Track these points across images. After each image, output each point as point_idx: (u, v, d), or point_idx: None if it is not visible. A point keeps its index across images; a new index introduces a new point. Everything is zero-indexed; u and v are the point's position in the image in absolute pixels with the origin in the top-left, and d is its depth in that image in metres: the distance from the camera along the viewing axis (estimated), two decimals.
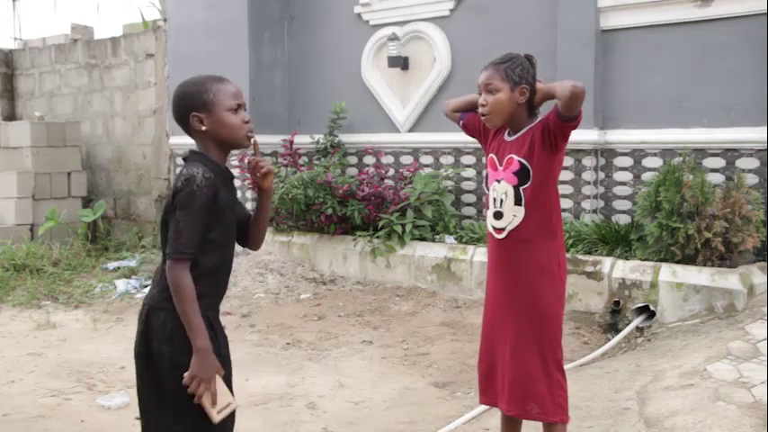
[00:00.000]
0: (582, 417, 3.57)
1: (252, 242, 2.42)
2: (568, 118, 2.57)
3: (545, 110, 2.74)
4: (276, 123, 8.08)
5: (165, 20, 9.11)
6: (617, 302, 5.34)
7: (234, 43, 7.95)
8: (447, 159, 7.15)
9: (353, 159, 7.79)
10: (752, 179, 5.46)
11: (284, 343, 5.31)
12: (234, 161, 7.75)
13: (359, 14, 7.67)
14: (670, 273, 5.14)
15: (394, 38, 7.26)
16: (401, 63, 7.26)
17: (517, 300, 2.74)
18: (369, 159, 7.61)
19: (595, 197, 6.21)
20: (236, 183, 8.48)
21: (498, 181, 2.77)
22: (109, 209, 9.73)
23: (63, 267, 7.76)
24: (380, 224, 6.77)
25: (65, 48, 10.46)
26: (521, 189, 2.70)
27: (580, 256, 5.59)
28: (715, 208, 5.04)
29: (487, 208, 2.83)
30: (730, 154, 5.62)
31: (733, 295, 4.85)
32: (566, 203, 6.26)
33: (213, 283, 2.24)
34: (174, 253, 2.11)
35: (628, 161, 6.08)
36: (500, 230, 2.76)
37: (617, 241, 5.65)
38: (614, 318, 5.34)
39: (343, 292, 6.62)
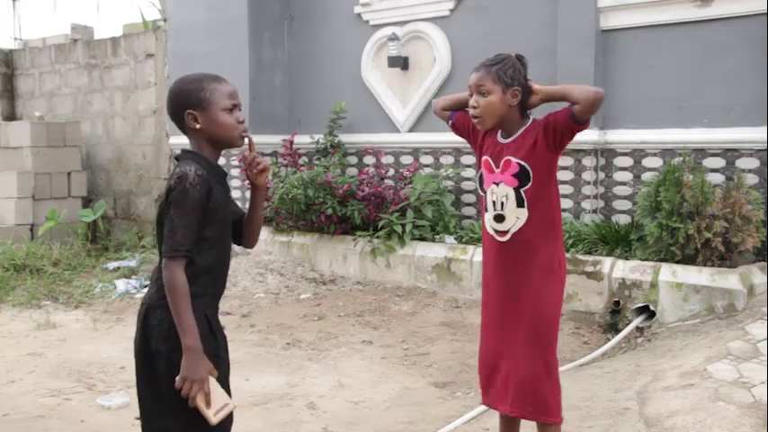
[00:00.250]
0: (582, 417, 3.57)
1: (246, 240, 2.42)
2: (583, 121, 2.61)
3: (542, 111, 2.74)
4: (276, 123, 8.08)
5: (165, 20, 9.11)
6: (617, 302, 5.34)
7: (234, 43, 7.95)
8: (447, 159, 7.15)
9: (353, 159, 7.79)
10: (752, 179, 5.46)
11: (284, 343, 5.31)
12: (234, 161, 7.77)
13: (359, 14, 7.67)
14: (670, 273, 5.14)
15: (394, 38, 7.26)
16: (401, 63, 7.27)
17: (520, 301, 2.72)
18: (369, 159, 7.61)
19: (595, 197, 6.21)
20: (237, 183, 8.48)
21: (497, 183, 2.74)
22: (109, 209, 9.73)
23: (63, 267, 7.76)
24: (380, 224, 6.76)
25: (65, 48, 10.46)
26: (521, 191, 2.68)
27: (580, 256, 5.59)
28: (715, 208, 5.04)
29: (486, 210, 2.80)
30: (730, 154, 5.62)
31: (733, 295, 4.85)
32: (566, 203, 6.26)
33: (210, 281, 2.24)
34: (168, 251, 2.12)
35: (628, 161, 6.08)
36: (503, 233, 2.74)
37: (617, 241, 5.65)
38: (614, 318, 5.34)
39: (343, 292, 6.62)
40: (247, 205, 2.46)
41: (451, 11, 7.06)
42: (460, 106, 2.91)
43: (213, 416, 2.12)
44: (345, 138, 7.68)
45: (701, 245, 5.03)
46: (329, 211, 6.94)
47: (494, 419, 3.41)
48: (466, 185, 7.03)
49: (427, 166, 7.23)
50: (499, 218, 2.74)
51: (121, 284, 7.10)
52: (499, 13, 6.74)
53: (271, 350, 5.16)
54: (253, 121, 7.79)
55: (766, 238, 5.17)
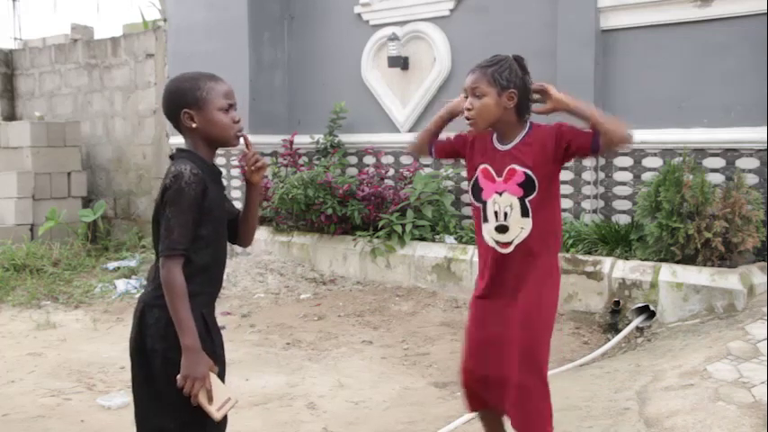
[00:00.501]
0: (582, 417, 3.57)
1: (242, 238, 2.42)
2: (601, 153, 2.62)
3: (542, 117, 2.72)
4: (276, 123, 8.08)
5: (165, 20, 9.11)
6: (617, 302, 5.34)
7: (234, 43, 7.95)
8: (447, 159, 7.15)
9: (353, 159, 7.79)
10: (752, 179, 5.46)
11: (284, 343, 5.31)
12: (234, 161, 7.77)
13: (359, 14, 7.67)
14: (670, 273, 5.14)
15: (394, 38, 7.26)
16: (401, 63, 7.27)
17: (521, 308, 2.65)
18: (369, 159, 7.61)
19: (595, 197, 6.21)
20: (237, 182, 8.46)
21: (500, 193, 2.65)
22: (109, 209, 9.73)
23: (63, 267, 7.76)
24: (380, 224, 6.76)
25: (65, 48, 10.46)
26: (527, 200, 2.61)
27: (580, 256, 5.59)
28: (715, 208, 5.04)
29: (485, 221, 2.69)
30: (730, 154, 5.62)
31: (733, 295, 4.85)
32: (566, 203, 6.26)
33: (207, 280, 2.24)
34: (165, 250, 2.12)
35: (628, 161, 6.08)
36: (506, 245, 2.65)
37: (617, 241, 5.65)
38: (614, 318, 5.34)
39: (343, 292, 6.62)
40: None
41: (451, 11, 7.06)
42: (441, 127, 2.85)
43: (216, 411, 2.13)
44: (345, 138, 7.68)
45: (701, 245, 5.03)
46: (329, 211, 6.94)
47: None
48: (466, 185, 7.01)
49: (427, 165, 7.23)
50: (502, 228, 2.65)
51: (121, 284, 7.10)
52: (499, 13, 6.74)
53: (271, 350, 5.16)
54: (253, 121, 7.79)
55: (766, 238, 5.17)
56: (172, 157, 2.26)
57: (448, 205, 6.76)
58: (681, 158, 5.41)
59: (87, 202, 9.76)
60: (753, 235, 5.01)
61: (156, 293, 2.17)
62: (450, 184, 7.00)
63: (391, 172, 7.42)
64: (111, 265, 7.95)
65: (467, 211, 7.05)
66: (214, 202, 2.22)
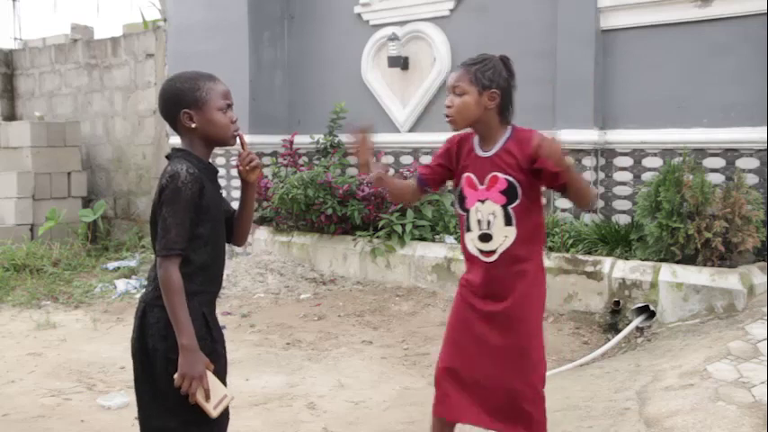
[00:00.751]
0: (582, 417, 3.56)
1: (236, 237, 2.43)
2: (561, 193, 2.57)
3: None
4: (276, 123, 8.08)
5: (165, 20, 9.11)
6: (617, 302, 5.34)
7: (234, 43, 7.95)
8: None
9: (353, 159, 7.78)
10: (752, 179, 5.46)
11: (284, 343, 5.31)
12: (234, 161, 7.77)
13: (359, 14, 7.67)
14: (670, 273, 5.14)
15: (394, 38, 7.26)
16: (401, 63, 7.27)
17: (507, 313, 2.60)
18: None
19: (595, 197, 6.20)
20: (237, 182, 8.47)
21: (482, 201, 2.60)
22: (109, 209, 9.73)
23: (63, 267, 7.76)
24: (380, 224, 6.77)
25: (65, 48, 10.46)
26: (509, 208, 2.56)
27: (580, 256, 5.59)
28: (715, 208, 5.04)
29: (468, 230, 2.65)
30: (730, 154, 5.62)
31: (733, 295, 4.85)
32: (566, 203, 6.27)
33: (206, 279, 2.24)
34: (162, 249, 2.13)
35: (628, 161, 6.08)
36: (490, 253, 2.61)
37: (617, 241, 5.65)
38: (614, 318, 5.34)
39: (343, 292, 6.62)
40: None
41: (451, 11, 7.06)
42: (394, 180, 2.83)
43: (213, 409, 2.14)
44: (345, 138, 7.67)
45: (701, 245, 5.03)
46: (329, 211, 6.94)
47: None
48: None
49: None
50: (485, 237, 2.61)
51: (121, 284, 7.11)
52: (499, 13, 6.74)
53: (271, 350, 5.16)
54: (253, 121, 7.80)
55: (766, 238, 5.17)
56: (168, 157, 2.27)
57: (448, 205, 6.76)
58: (681, 158, 5.41)
59: (87, 202, 9.76)
60: (753, 235, 5.01)
61: (157, 293, 2.18)
62: (449, 183, 6.99)
63: (391, 172, 7.42)
64: (111, 265, 7.95)
65: None
66: (212, 201, 2.23)
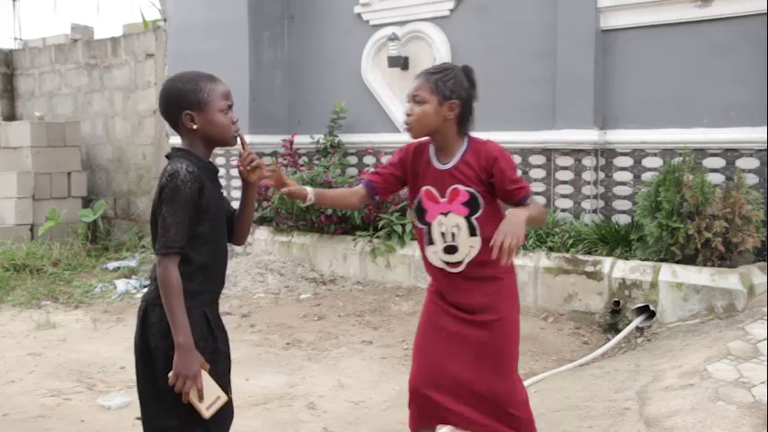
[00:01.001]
0: (582, 417, 3.57)
1: (236, 237, 2.44)
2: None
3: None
4: (276, 123, 8.08)
5: (165, 20, 9.11)
6: (617, 302, 5.34)
7: (234, 43, 7.95)
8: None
9: (353, 159, 7.79)
10: (752, 179, 5.46)
11: (284, 343, 5.31)
12: (234, 161, 7.77)
13: (359, 14, 7.68)
14: (670, 273, 5.14)
15: (394, 38, 7.26)
16: (401, 63, 7.27)
17: (483, 319, 2.60)
18: (369, 159, 7.61)
19: (595, 197, 6.21)
20: (238, 182, 8.44)
21: (445, 214, 2.59)
22: (109, 209, 9.74)
23: (63, 267, 7.76)
24: (380, 224, 6.77)
25: (65, 48, 10.46)
26: (473, 219, 2.56)
27: (580, 256, 5.59)
28: (715, 208, 5.04)
29: (431, 243, 2.63)
30: (730, 154, 5.62)
31: (733, 295, 4.85)
32: (566, 203, 6.27)
33: (207, 278, 2.25)
34: (162, 248, 2.13)
35: (628, 161, 6.08)
36: (456, 264, 2.61)
37: (617, 241, 5.65)
38: (614, 318, 5.34)
39: (343, 292, 6.62)
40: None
41: (451, 11, 7.06)
42: (318, 193, 2.72)
43: (206, 410, 2.14)
44: (345, 138, 7.68)
45: (701, 245, 5.03)
46: (329, 211, 6.94)
47: None
48: None
49: None
50: (451, 249, 2.60)
51: (121, 284, 7.11)
52: (499, 13, 6.74)
53: (271, 350, 5.16)
54: (253, 121, 7.80)
55: (766, 238, 5.17)
56: (168, 157, 2.27)
57: None
58: (681, 158, 5.41)
59: (87, 202, 9.77)
60: (753, 235, 5.01)
61: (159, 292, 2.18)
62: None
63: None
64: (111, 265, 7.95)
65: None
66: (212, 200, 2.23)
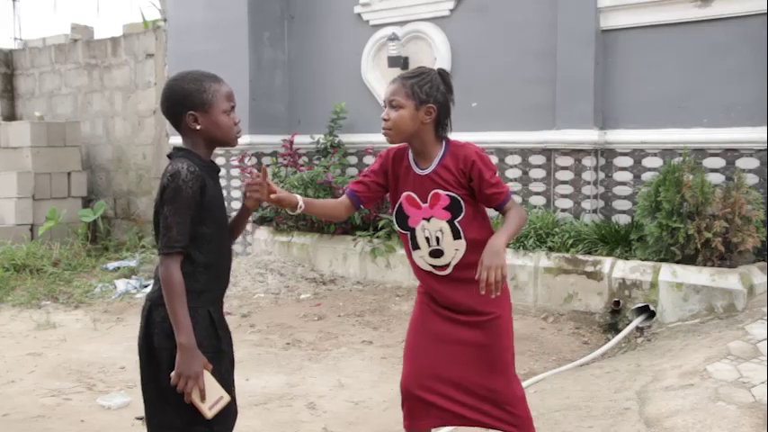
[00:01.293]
0: (582, 417, 3.57)
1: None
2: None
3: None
4: (276, 123, 8.08)
5: (165, 20, 9.11)
6: (617, 302, 5.34)
7: (234, 43, 7.95)
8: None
9: (353, 159, 7.79)
10: (752, 179, 5.46)
11: (284, 343, 5.31)
12: (234, 161, 7.77)
13: (359, 14, 7.67)
14: (670, 273, 5.14)
15: (394, 38, 7.26)
16: (401, 63, 7.26)
17: (476, 320, 2.60)
18: (369, 159, 7.61)
19: (595, 197, 6.21)
20: (237, 182, 8.45)
21: (427, 219, 2.58)
22: (109, 209, 9.74)
23: (63, 267, 7.76)
24: (380, 224, 6.77)
25: (65, 48, 10.46)
26: (456, 222, 2.55)
27: (580, 256, 5.59)
28: (715, 208, 5.04)
29: (416, 248, 2.63)
30: (730, 154, 5.62)
31: (733, 295, 4.85)
32: (566, 203, 6.27)
33: (211, 277, 2.25)
34: (164, 248, 2.14)
35: (628, 161, 6.08)
36: (443, 267, 2.61)
37: (617, 241, 5.65)
38: (614, 318, 5.34)
39: (343, 292, 6.62)
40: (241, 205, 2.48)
41: (451, 11, 7.06)
42: (311, 203, 2.68)
43: (208, 410, 2.15)
44: (345, 138, 7.68)
45: (701, 245, 5.03)
46: None
47: None
48: None
49: None
50: (437, 253, 2.60)
51: (121, 284, 7.11)
52: (499, 13, 6.74)
53: (271, 350, 5.16)
54: (253, 121, 7.80)
55: (766, 238, 5.17)
56: (170, 156, 2.27)
57: None
58: (681, 158, 5.41)
59: (87, 202, 9.77)
60: (753, 235, 5.01)
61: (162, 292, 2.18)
62: None
63: None
64: (111, 265, 7.95)
65: None
66: (214, 200, 2.23)
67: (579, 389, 4.00)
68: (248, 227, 7.75)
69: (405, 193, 2.63)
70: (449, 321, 2.65)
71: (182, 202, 2.13)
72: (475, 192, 2.56)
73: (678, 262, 5.17)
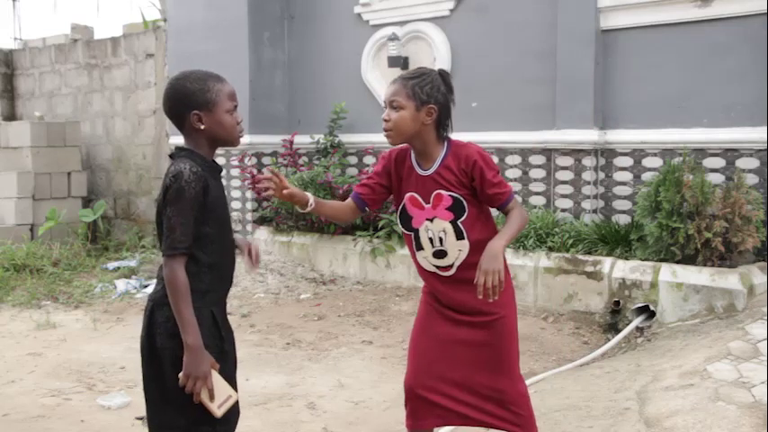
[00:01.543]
0: (582, 417, 3.57)
1: None
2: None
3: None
4: (276, 123, 8.08)
5: (165, 20, 9.11)
6: (617, 302, 5.34)
7: (234, 43, 7.95)
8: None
9: (353, 159, 7.79)
10: (752, 179, 5.46)
11: (284, 343, 5.31)
12: (234, 161, 7.77)
13: (359, 14, 7.67)
14: (670, 273, 5.14)
15: (394, 38, 7.26)
16: (401, 63, 7.26)
17: (481, 320, 2.60)
18: (369, 159, 7.61)
19: (595, 197, 6.21)
20: (237, 182, 8.46)
21: (430, 220, 2.58)
22: (109, 209, 9.73)
23: (63, 267, 7.76)
24: (380, 224, 6.77)
25: (65, 48, 10.46)
26: (459, 223, 2.56)
27: (580, 256, 5.59)
28: (715, 208, 5.04)
29: (420, 249, 2.63)
30: (730, 154, 5.62)
31: (733, 295, 4.85)
32: (566, 203, 6.27)
33: (214, 277, 2.26)
34: (168, 249, 2.14)
35: (628, 161, 6.08)
36: (446, 268, 2.61)
37: (617, 241, 5.65)
38: (614, 318, 5.34)
39: (343, 292, 6.62)
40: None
41: (451, 11, 7.06)
42: (320, 203, 2.74)
43: (217, 409, 2.16)
44: (345, 138, 7.68)
45: (701, 245, 5.03)
46: None
47: None
48: None
49: None
50: (440, 254, 2.60)
51: (121, 284, 7.10)
52: (499, 13, 6.74)
53: (271, 350, 5.16)
54: (253, 121, 7.80)
55: (766, 238, 5.17)
56: (172, 156, 2.27)
57: None
58: (681, 158, 5.41)
59: (87, 202, 9.76)
60: (753, 235, 5.01)
61: (165, 292, 2.18)
62: None
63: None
64: (111, 265, 7.95)
65: None
66: (217, 200, 2.23)
67: (579, 389, 4.00)
68: (248, 227, 7.76)
69: (408, 194, 2.64)
70: (453, 322, 2.65)
71: (185, 202, 2.13)
72: (477, 192, 2.56)
73: (678, 262, 5.18)
